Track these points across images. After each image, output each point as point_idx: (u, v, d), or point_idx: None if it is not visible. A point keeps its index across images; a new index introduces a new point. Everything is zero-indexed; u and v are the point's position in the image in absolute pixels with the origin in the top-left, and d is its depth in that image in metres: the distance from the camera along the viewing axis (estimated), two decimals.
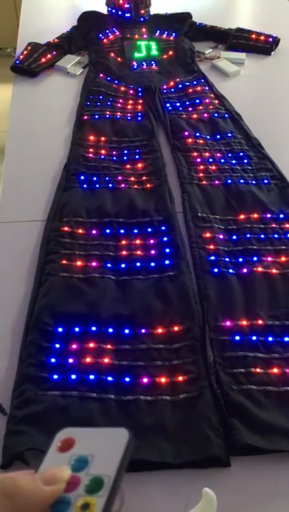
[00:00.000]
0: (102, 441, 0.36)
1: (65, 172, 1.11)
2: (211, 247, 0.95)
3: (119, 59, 1.54)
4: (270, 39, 1.62)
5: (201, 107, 1.33)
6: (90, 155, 1.17)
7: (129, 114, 1.31)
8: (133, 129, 1.26)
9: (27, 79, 1.46)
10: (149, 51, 1.58)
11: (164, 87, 1.41)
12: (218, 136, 1.24)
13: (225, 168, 1.14)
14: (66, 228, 0.97)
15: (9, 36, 2.60)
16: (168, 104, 1.34)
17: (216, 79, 1.47)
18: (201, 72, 1.49)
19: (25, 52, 1.51)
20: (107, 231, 0.98)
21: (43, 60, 1.49)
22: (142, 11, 1.68)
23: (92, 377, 0.73)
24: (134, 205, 1.03)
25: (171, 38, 1.63)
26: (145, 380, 0.73)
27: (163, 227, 0.98)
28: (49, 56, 1.51)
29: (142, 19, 1.69)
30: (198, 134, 1.24)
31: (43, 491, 0.34)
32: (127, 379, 0.73)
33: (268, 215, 1.02)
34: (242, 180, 1.10)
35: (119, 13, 1.68)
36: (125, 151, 1.19)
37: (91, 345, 0.77)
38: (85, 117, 1.29)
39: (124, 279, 0.88)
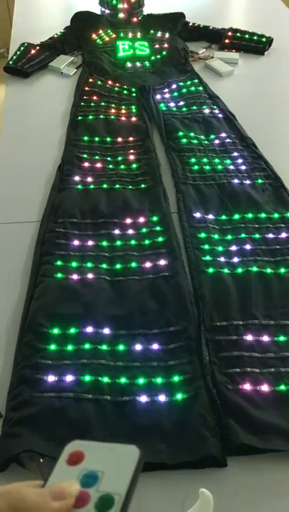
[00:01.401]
0: (112, 457, 0.35)
1: (59, 173, 1.11)
2: (206, 247, 0.95)
3: (112, 59, 1.54)
4: (264, 39, 1.62)
5: (195, 107, 1.33)
6: (84, 155, 1.16)
7: (123, 115, 1.31)
8: (127, 130, 1.25)
9: (20, 79, 1.46)
10: (143, 51, 1.58)
11: (158, 87, 1.41)
12: (212, 136, 1.24)
13: (219, 168, 1.14)
14: (61, 229, 0.97)
15: (2, 36, 2.59)
16: (162, 105, 1.34)
17: (209, 79, 1.47)
18: (195, 72, 1.49)
19: (18, 52, 1.50)
20: (102, 232, 0.97)
21: (36, 60, 1.49)
22: (136, 11, 1.68)
23: (87, 378, 0.73)
24: (129, 205, 1.03)
25: (165, 38, 1.63)
26: (141, 380, 0.73)
27: (158, 228, 0.98)
28: (42, 56, 1.51)
29: (135, 19, 1.69)
30: (192, 134, 1.24)
31: (51, 506, 0.33)
32: (123, 380, 0.73)
33: (263, 215, 1.02)
34: (236, 180, 1.10)
35: (113, 13, 1.68)
36: (119, 152, 1.19)
37: (86, 346, 0.77)
38: (79, 118, 1.28)
39: (119, 280, 0.88)
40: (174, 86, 1.42)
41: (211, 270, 0.90)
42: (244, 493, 0.63)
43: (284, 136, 1.29)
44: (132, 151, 1.19)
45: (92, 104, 1.34)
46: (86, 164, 1.14)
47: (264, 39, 1.62)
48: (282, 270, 0.91)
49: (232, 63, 1.55)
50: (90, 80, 1.43)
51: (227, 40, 1.62)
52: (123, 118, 1.30)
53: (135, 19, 1.69)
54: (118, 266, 0.91)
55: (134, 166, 1.15)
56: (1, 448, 0.65)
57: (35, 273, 0.89)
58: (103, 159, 1.16)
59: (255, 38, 1.62)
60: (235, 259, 0.93)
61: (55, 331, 0.79)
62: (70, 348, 0.77)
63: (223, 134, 1.24)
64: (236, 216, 1.02)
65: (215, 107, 1.35)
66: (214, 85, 1.44)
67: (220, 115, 1.31)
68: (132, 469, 0.34)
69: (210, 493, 0.53)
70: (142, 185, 1.09)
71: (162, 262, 0.91)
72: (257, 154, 1.18)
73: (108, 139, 1.22)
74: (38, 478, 0.63)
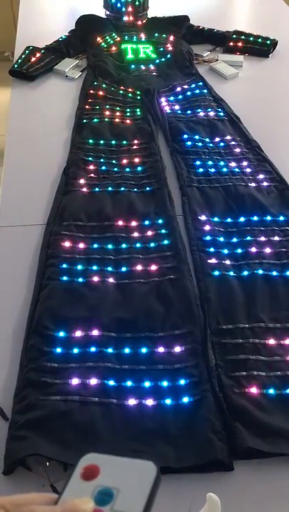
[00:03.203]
0: (128, 473, 0.34)
1: (64, 176, 1.11)
2: (212, 249, 0.95)
3: (117, 62, 1.54)
4: (268, 41, 1.62)
5: (199, 110, 1.33)
6: (90, 158, 1.17)
7: (128, 118, 1.31)
8: (132, 133, 1.26)
9: (25, 82, 1.46)
10: (147, 54, 1.58)
11: (163, 90, 1.41)
12: (217, 139, 1.24)
13: (224, 170, 1.14)
14: (66, 232, 0.97)
15: (6, 40, 2.60)
16: (167, 107, 1.34)
17: (214, 81, 1.47)
18: (200, 75, 1.49)
19: (23, 56, 1.50)
20: (108, 234, 0.97)
21: (42, 63, 1.49)
22: (140, 14, 1.69)
23: (93, 381, 0.73)
24: (134, 208, 1.03)
25: (169, 41, 1.63)
26: (147, 384, 0.73)
27: (163, 230, 0.98)
28: (47, 60, 1.51)
29: (139, 22, 1.69)
30: (197, 137, 1.24)
31: None
32: (129, 383, 0.73)
33: (268, 218, 1.02)
34: (241, 183, 1.10)
35: (117, 16, 1.69)
36: (124, 155, 1.19)
37: (92, 349, 0.77)
38: (84, 121, 1.29)
39: (124, 283, 0.88)
40: (178, 89, 1.42)
41: (216, 273, 0.90)
42: (251, 497, 0.63)
43: None
44: (137, 153, 1.19)
45: (97, 107, 1.34)
46: (91, 167, 1.14)
47: (268, 41, 1.62)
48: (288, 273, 0.91)
49: (236, 66, 1.55)
50: (95, 83, 1.43)
51: (231, 43, 1.62)
52: (128, 121, 1.30)
53: (140, 22, 1.69)
54: (124, 269, 0.91)
55: (139, 168, 1.15)
56: (8, 451, 0.65)
57: (41, 276, 0.89)
58: (108, 162, 1.16)
59: (259, 40, 1.62)
60: (241, 262, 0.92)
61: (61, 333, 0.79)
62: (75, 351, 0.77)
63: (228, 137, 1.24)
64: (242, 219, 1.02)
65: (220, 109, 1.35)
66: (219, 88, 1.44)
67: (225, 118, 1.31)
68: (149, 488, 0.33)
69: (218, 498, 0.52)
70: (147, 188, 1.09)
71: (168, 265, 0.91)
72: (262, 157, 1.18)
73: (113, 142, 1.23)
74: (44, 481, 0.63)
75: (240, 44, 1.62)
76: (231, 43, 1.62)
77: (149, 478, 0.33)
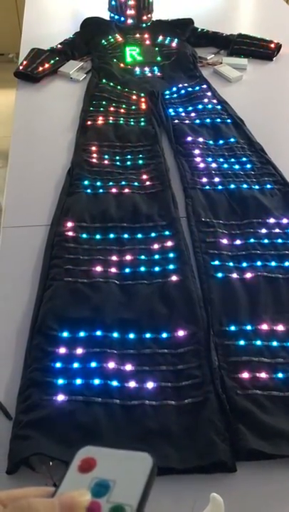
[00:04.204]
0: (124, 465, 0.35)
1: (68, 177, 1.12)
2: (215, 251, 0.95)
3: (121, 65, 1.55)
4: (272, 45, 1.62)
5: (203, 113, 1.34)
6: (94, 160, 1.17)
7: (132, 120, 1.32)
8: (136, 135, 1.26)
9: (30, 84, 1.47)
10: (152, 57, 1.58)
11: (167, 92, 1.42)
12: (220, 142, 1.24)
13: (228, 173, 1.14)
14: (70, 233, 0.97)
15: (11, 41, 2.62)
16: (171, 110, 1.35)
17: (218, 84, 1.48)
18: (204, 78, 1.49)
19: (28, 57, 1.51)
20: (111, 236, 0.98)
21: (46, 65, 1.50)
22: (145, 17, 1.69)
23: (97, 382, 0.73)
24: (138, 210, 1.04)
25: (174, 43, 1.64)
26: (150, 384, 0.73)
27: (167, 232, 0.99)
28: (52, 62, 1.52)
29: (144, 25, 1.70)
30: (201, 139, 1.24)
31: None
32: (132, 384, 0.73)
33: (272, 220, 1.02)
34: (245, 185, 1.10)
35: (122, 19, 1.69)
36: (128, 156, 1.19)
37: (96, 349, 0.77)
38: (88, 122, 1.29)
39: (128, 284, 0.88)
40: (182, 91, 1.43)
41: (220, 275, 0.90)
42: (254, 498, 0.63)
43: None
44: (140, 155, 1.20)
45: (102, 109, 1.34)
46: (95, 169, 1.15)
47: (272, 45, 1.62)
48: None
49: (241, 69, 1.55)
50: (100, 85, 1.43)
51: (235, 46, 1.62)
52: (132, 123, 1.31)
53: (144, 25, 1.70)
54: (127, 270, 0.91)
55: (143, 170, 1.15)
56: (11, 450, 0.65)
57: (45, 276, 0.89)
58: (112, 164, 1.17)
59: (263, 43, 1.63)
60: (244, 264, 0.93)
61: (65, 334, 0.79)
62: (79, 351, 0.77)
63: (232, 139, 1.25)
64: (245, 221, 1.02)
65: (223, 112, 1.35)
66: (223, 91, 1.45)
67: (228, 120, 1.32)
68: (145, 479, 0.33)
69: (221, 499, 0.53)
70: (151, 190, 1.10)
71: (171, 267, 0.91)
72: (265, 159, 1.18)
73: (117, 144, 1.23)
74: (47, 480, 0.63)
75: (244, 47, 1.62)
76: (235, 46, 1.62)
77: (145, 469, 0.34)
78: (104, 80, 1.46)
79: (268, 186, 1.11)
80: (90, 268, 0.91)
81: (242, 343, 0.79)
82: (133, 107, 1.37)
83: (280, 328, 0.82)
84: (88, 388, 0.72)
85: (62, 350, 0.77)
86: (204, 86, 1.45)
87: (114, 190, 1.09)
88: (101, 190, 1.09)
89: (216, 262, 0.92)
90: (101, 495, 0.33)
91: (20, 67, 1.48)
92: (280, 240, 0.98)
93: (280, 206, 1.06)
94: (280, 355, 0.78)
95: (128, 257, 0.93)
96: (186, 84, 1.45)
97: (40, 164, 1.19)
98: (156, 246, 0.96)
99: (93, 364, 0.75)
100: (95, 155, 1.19)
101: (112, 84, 1.45)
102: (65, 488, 0.34)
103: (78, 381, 0.73)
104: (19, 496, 0.34)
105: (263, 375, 0.75)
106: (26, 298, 0.87)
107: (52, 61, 1.52)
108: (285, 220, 1.02)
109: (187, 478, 0.64)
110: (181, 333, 0.80)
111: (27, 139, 1.28)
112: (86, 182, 1.10)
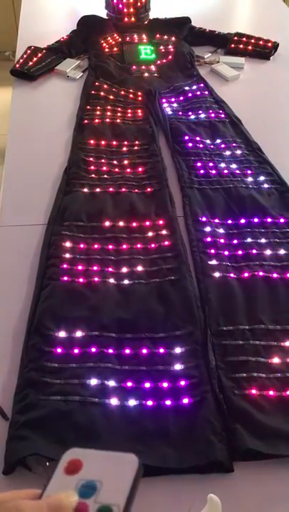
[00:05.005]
0: (110, 466, 0.35)
1: (65, 176, 1.11)
2: (212, 251, 0.95)
3: (118, 63, 1.55)
4: (269, 44, 1.62)
5: (200, 112, 1.34)
6: (91, 159, 1.17)
7: (129, 119, 1.32)
8: (133, 133, 1.26)
9: (27, 82, 1.46)
10: (149, 56, 1.58)
11: (164, 91, 1.42)
12: (218, 141, 1.24)
13: (225, 172, 1.14)
14: (67, 232, 0.97)
15: (7, 39, 2.60)
16: (168, 109, 1.34)
17: (215, 83, 1.48)
18: (201, 77, 1.49)
19: (24, 55, 1.50)
20: (108, 235, 0.97)
21: (43, 63, 1.49)
22: (142, 16, 1.69)
23: (94, 382, 0.73)
24: (135, 209, 1.03)
25: (171, 42, 1.63)
26: (147, 384, 0.73)
27: (164, 231, 0.99)
28: (49, 60, 1.51)
29: (141, 23, 1.69)
30: (198, 139, 1.24)
31: None
32: (129, 384, 0.73)
33: (269, 220, 1.02)
34: (242, 185, 1.10)
35: (119, 17, 1.69)
36: (125, 155, 1.19)
37: (93, 349, 0.77)
38: (85, 121, 1.29)
39: (125, 284, 0.88)
40: (179, 90, 1.42)
41: (217, 274, 0.90)
42: (251, 498, 0.63)
43: None
44: (138, 154, 1.19)
45: (99, 107, 1.34)
46: (92, 167, 1.14)
47: (270, 44, 1.62)
48: None
49: (238, 68, 1.55)
50: (96, 84, 1.43)
51: (233, 45, 1.62)
52: (129, 122, 1.30)
53: (141, 23, 1.69)
54: (124, 269, 0.91)
55: (140, 169, 1.15)
56: (8, 451, 0.65)
57: (42, 276, 0.89)
58: (109, 163, 1.17)
59: (260, 42, 1.62)
60: (242, 264, 0.93)
61: (62, 333, 0.79)
62: (76, 351, 0.77)
63: (229, 139, 1.24)
64: (242, 220, 1.02)
65: (221, 111, 1.35)
66: (220, 90, 1.44)
67: (226, 119, 1.32)
68: (131, 479, 0.34)
69: (218, 499, 0.53)
70: (148, 189, 1.09)
71: (168, 266, 0.91)
72: (263, 159, 1.18)
73: (114, 143, 1.23)
74: (43, 481, 0.63)
75: (241, 46, 1.62)
76: (233, 45, 1.62)
77: (131, 470, 0.34)
78: (101, 79, 1.45)
79: (265, 186, 1.11)
80: (87, 267, 0.90)
81: (239, 342, 0.79)
82: (130, 106, 1.36)
83: (277, 327, 0.82)
84: (85, 388, 0.72)
85: (58, 350, 0.77)
86: (201, 85, 1.45)
87: (111, 189, 1.08)
88: (98, 189, 1.08)
89: (213, 262, 0.92)
90: (88, 496, 0.34)
91: (17, 65, 1.47)
92: (277, 240, 0.98)
93: (277, 205, 1.06)
94: (277, 355, 0.78)
95: (125, 257, 0.93)
96: (183, 83, 1.45)
97: (36, 163, 1.19)
98: (153, 245, 0.96)
99: (90, 364, 0.75)
100: (91, 154, 1.18)
101: (109, 82, 1.44)
102: (52, 490, 0.35)
103: (75, 381, 0.72)
104: (6, 499, 0.34)
105: (260, 375, 0.75)
106: (23, 297, 0.87)
107: (49, 59, 1.51)
108: (282, 220, 1.02)
109: (184, 478, 0.64)
110: (178, 332, 0.80)
111: (23, 137, 1.28)
112: (83, 181, 1.10)
